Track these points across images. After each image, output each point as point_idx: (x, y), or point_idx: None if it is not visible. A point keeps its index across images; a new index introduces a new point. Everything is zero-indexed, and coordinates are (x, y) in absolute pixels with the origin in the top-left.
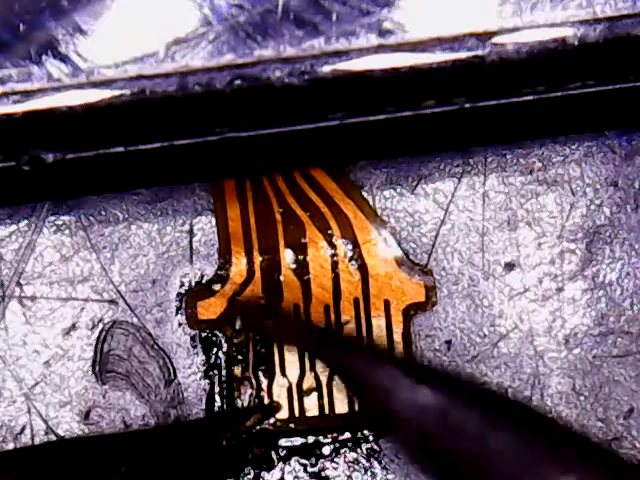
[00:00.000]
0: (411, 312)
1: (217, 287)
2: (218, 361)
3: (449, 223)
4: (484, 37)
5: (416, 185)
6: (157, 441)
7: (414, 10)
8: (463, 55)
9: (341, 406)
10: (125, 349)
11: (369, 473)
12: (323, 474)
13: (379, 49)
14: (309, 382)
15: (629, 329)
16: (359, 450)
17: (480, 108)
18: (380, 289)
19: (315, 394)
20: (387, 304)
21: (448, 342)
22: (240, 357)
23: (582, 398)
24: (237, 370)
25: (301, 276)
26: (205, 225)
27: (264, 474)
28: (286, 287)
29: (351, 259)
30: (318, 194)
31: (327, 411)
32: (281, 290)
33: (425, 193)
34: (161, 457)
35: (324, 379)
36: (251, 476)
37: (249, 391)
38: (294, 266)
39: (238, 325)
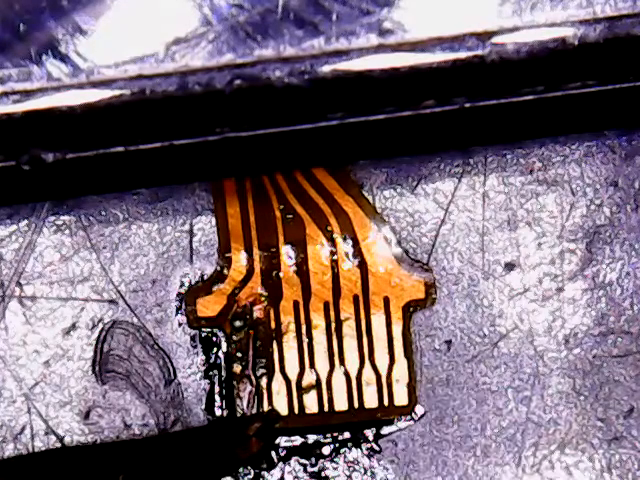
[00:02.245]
0: (411, 309)
1: (217, 285)
2: (218, 361)
3: (449, 223)
4: (484, 37)
5: (416, 185)
6: (155, 450)
7: (414, 10)
8: (463, 55)
9: (341, 403)
10: (125, 349)
11: (369, 473)
12: (323, 474)
13: (379, 49)
14: (309, 379)
15: (629, 329)
16: (359, 450)
17: (480, 108)
18: (379, 286)
19: (314, 391)
20: (387, 301)
21: (448, 342)
22: (240, 355)
23: (582, 398)
24: (237, 368)
25: (301, 273)
26: (205, 225)
27: (264, 474)
28: (285, 284)
29: (351, 256)
30: (318, 191)
31: (327, 408)
32: (280, 287)
33: (425, 193)
34: (159, 466)
35: (324, 376)
36: (251, 476)
37: (249, 388)
38: (294, 263)
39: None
